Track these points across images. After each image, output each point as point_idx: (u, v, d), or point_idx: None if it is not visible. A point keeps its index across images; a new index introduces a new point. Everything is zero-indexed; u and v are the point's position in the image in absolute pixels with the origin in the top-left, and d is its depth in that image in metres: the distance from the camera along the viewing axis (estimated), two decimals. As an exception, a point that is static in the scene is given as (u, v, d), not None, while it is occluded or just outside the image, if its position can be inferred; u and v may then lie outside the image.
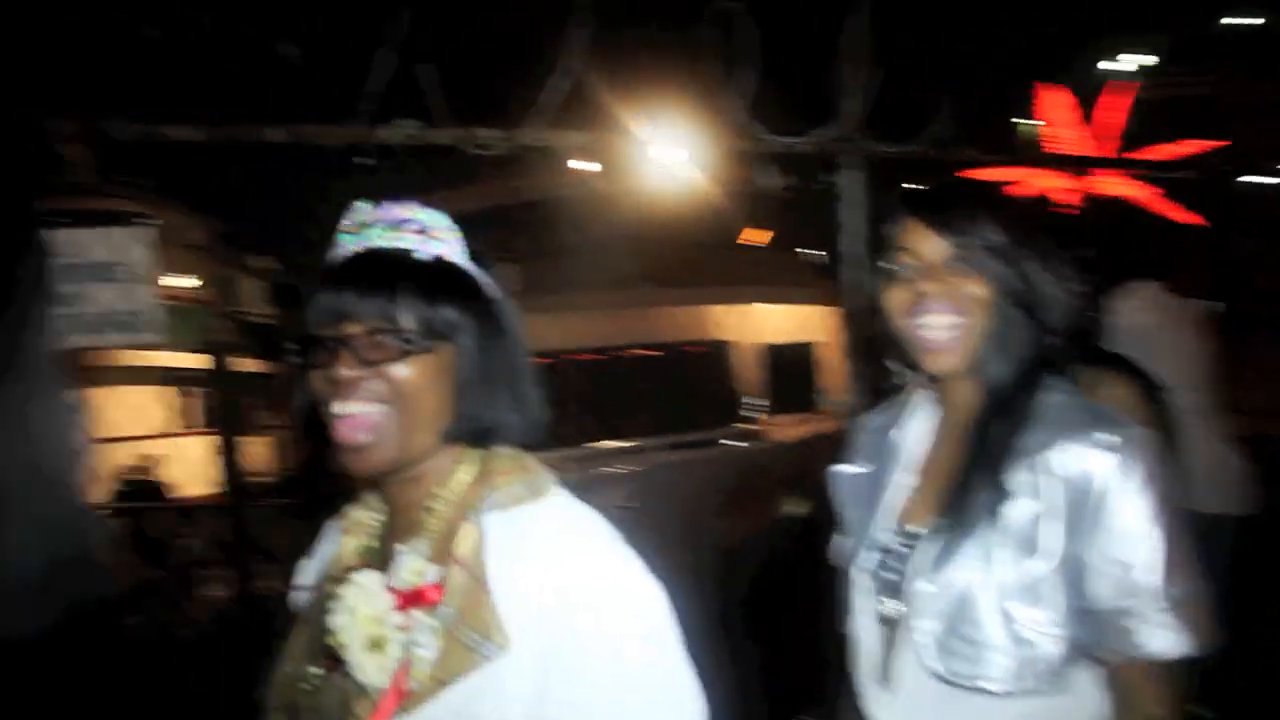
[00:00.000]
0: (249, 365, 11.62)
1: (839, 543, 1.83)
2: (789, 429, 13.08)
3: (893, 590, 1.65)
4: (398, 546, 1.32)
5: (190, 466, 14.18)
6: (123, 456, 11.73)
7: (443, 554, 1.27)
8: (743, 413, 12.62)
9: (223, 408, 8.85)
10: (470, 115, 3.06)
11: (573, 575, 1.23)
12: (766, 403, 13.30)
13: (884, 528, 1.72)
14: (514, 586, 1.22)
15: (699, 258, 11.98)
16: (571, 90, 3.20)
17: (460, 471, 1.32)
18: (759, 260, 14.12)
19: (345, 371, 1.23)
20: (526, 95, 3.07)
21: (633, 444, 9.30)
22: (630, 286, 11.01)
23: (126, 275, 2.90)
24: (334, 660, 1.30)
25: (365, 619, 1.26)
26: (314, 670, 1.35)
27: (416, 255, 1.28)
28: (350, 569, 1.34)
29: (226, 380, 8.71)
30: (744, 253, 14.77)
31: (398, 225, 1.30)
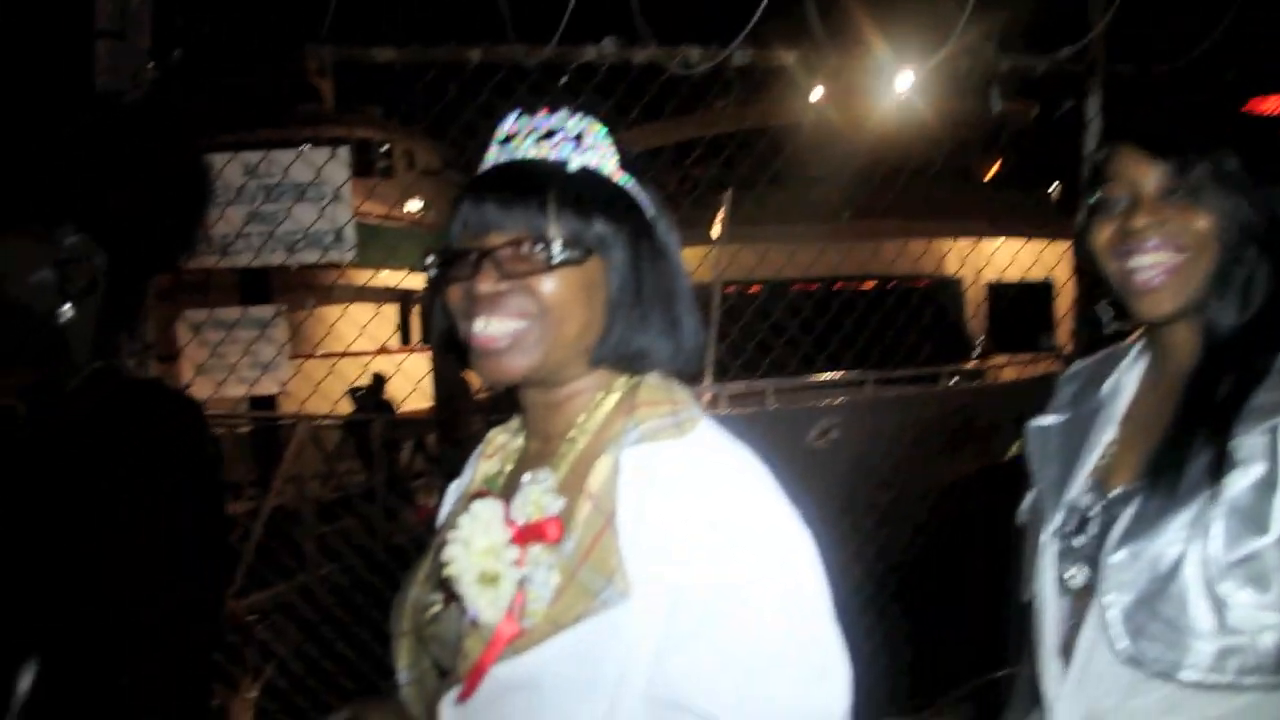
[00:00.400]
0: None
1: (1028, 502, 1.65)
2: (1013, 370, 12.59)
3: (1084, 558, 1.45)
4: (524, 476, 1.24)
5: (412, 382, 14.85)
6: (351, 371, 12.38)
7: (573, 486, 1.19)
8: (968, 352, 12.18)
9: (425, 325, 9.15)
10: (679, 37, 2.91)
11: (710, 520, 1.12)
12: (991, 342, 12.80)
13: (1081, 488, 1.51)
14: (644, 528, 1.12)
15: (927, 189, 11.47)
16: (792, 9, 2.98)
17: (606, 400, 1.25)
18: (990, 193, 13.44)
19: (486, 286, 1.17)
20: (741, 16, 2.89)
21: (847, 377, 9.09)
22: (854, 217, 10.72)
23: (325, 195, 2.93)
24: (450, 591, 1.23)
25: (480, 552, 1.17)
26: (434, 598, 1.31)
27: (567, 166, 1.21)
28: (476, 496, 1.27)
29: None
30: (975, 185, 14.09)
31: (548, 135, 1.23)
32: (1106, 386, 1.59)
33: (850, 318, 5.11)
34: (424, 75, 2.94)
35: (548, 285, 1.17)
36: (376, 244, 12.37)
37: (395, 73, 2.90)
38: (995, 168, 15.18)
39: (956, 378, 11.67)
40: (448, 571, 1.19)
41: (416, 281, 15.79)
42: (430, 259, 1.24)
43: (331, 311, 10.43)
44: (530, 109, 1.25)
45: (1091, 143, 3.40)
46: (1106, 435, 1.54)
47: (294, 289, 12.08)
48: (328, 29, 2.75)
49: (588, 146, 1.23)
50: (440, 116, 3.15)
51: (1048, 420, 1.66)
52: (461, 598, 1.18)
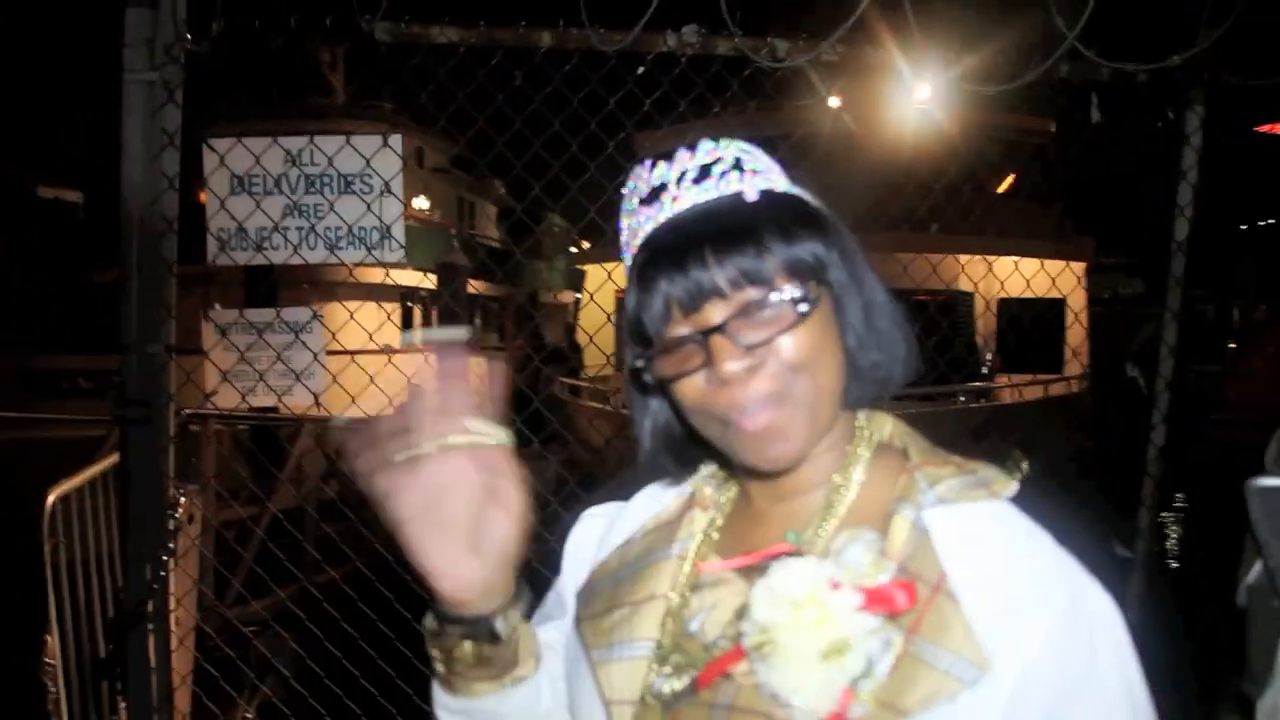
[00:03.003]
0: (478, 288, 11.70)
1: (1256, 575, 1.42)
2: (1026, 389, 12.45)
3: None
4: (839, 537, 1.05)
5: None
6: (354, 371, 12.10)
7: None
8: (981, 369, 12.01)
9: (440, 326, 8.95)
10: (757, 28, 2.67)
11: (1060, 593, 0.98)
12: (1000, 361, 12.65)
13: None
14: (988, 597, 0.97)
15: (949, 203, 11.28)
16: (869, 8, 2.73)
17: (859, 448, 1.11)
18: (1012, 210, 13.27)
19: (733, 364, 1.00)
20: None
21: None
22: (874, 229, 10.52)
23: (373, 188, 2.66)
24: (716, 671, 1.03)
25: (815, 622, 0.97)
26: (672, 683, 1.07)
27: (745, 197, 1.04)
28: (716, 552, 1.15)
29: (456, 301, 8.79)
30: (998, 201, 13.94)
31: (704, 173, 1.05)
32: None
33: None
34: (440, 70, 2.70)
35: (799, 341, 1.01)
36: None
37: (407, 68, 2.69)
38: (1009, 182, 15.07)
39: (964, 396, 11.54)
40: (757, 641, 0.99)
41: (417, 279, 15.59)
42: (638, 360, 1.07)
43: (333, 309, 10.16)
44: (656, 157, 1.09)
45: (1191, 158, 3.17)
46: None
47: (297, 284, 11.83)
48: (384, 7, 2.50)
49: (752, 169, 1.06)
50: (459, 111, 2.87)
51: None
52: (773, 680, 0.97)
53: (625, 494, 1.31)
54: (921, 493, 1.04)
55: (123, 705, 3.13)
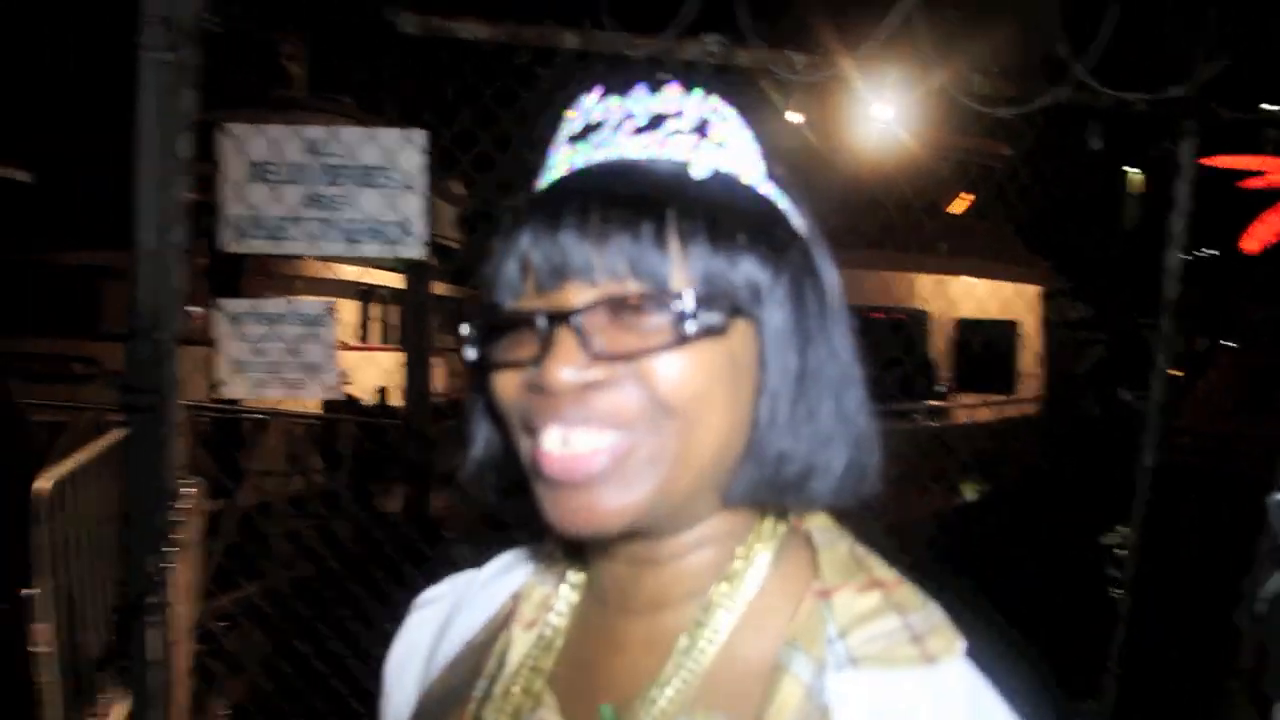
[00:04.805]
0: (439, 289, 11.64)
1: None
2: (979, 410, 12.63)
3: None
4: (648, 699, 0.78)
5: (377, 380, 14.54)
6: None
7: (723, 711, 0.76)
8: (934, 388, 12.16)
9: (411, 327, 8.91)
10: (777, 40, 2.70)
11: None
12: (957, 380, 12.84)
13: None
14: None
15: (906, 222, 11.43)
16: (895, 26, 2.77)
17: (751, 561, 0.81)
18: (968, 230, 13.49)
19: (567, 373, 0.72)
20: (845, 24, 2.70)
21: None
22: (834, 246, 10.59)
23: (395, 181, 2.64)
24: None
25: None
26: None
27: (689, 169, 0.76)
28: (521, 695, 0.84)
29: (416, 300, 8.74)
30: (953, 221, 14.15)
31: (655, 123, 0.78)
32: None
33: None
34: (399, 64, 2.71)
35: (673, 370, 0.72)
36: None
37: (368, 61, 2.70)
38: (964, 204, 15.29)
39: (919, 415, 11.68)
40: None
41: (377, 277, 15.44)
42: (467, 329, 0.79)
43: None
44: (619, 88, 0.81)
45: (1185, 189, 3.24)
46: None
47: (251, 275, 11.66)
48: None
49: (718, 140, 0.78)
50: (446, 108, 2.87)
51: None
52: None
53: (486, 555, 1.00)
54: (827, 640, 0.75)
55: (118, 698, 3.09)
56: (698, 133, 0.78)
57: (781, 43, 2.78)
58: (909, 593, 0.78)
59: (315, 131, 2.65)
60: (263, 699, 4.18)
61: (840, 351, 0.80)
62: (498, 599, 0.95)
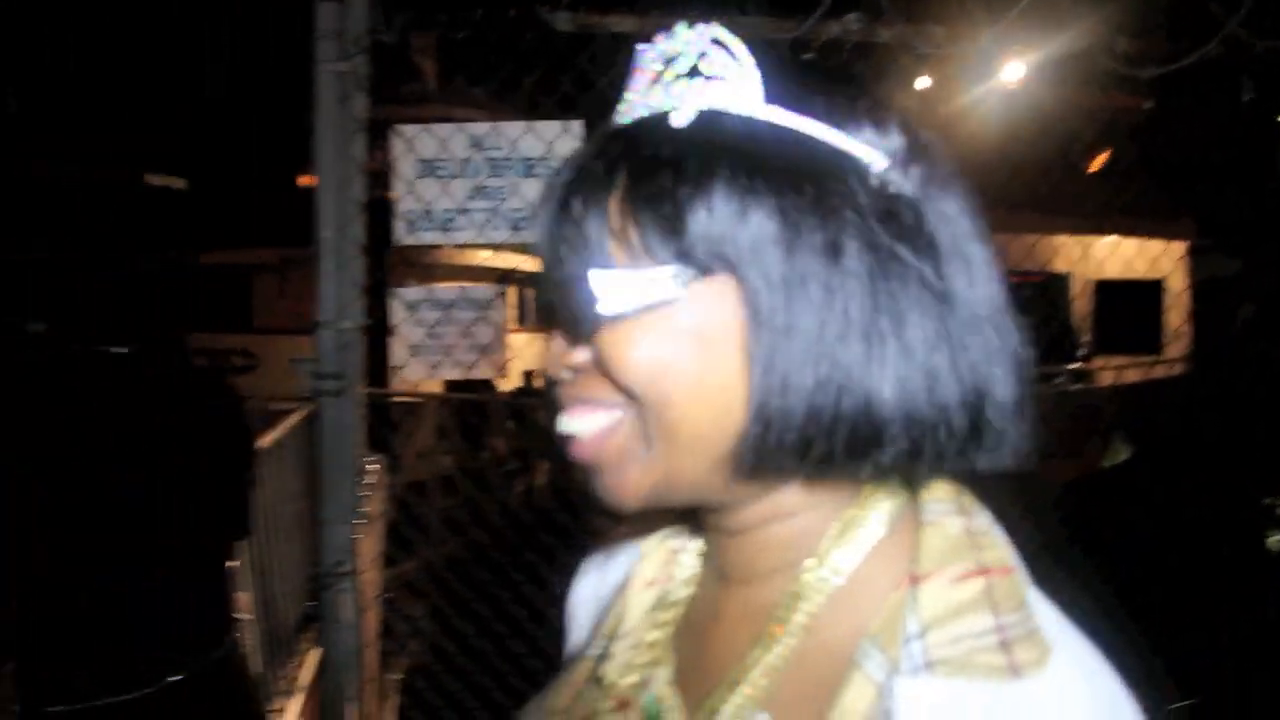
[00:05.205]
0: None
1: None
2: (1124, 373, 12.26)
3: None
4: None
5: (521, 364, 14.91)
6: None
7: (792, 708, 0.70)
8: (1076, 351, 11.88)
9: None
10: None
11: None
12: (1096, 343, 12.51)
13: None
14: None
15: (1046, 183, 11.17)
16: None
17: (851, 533, 0.72)
18: (1110, 188, 13.07)
19: (551, 361, 0.73)
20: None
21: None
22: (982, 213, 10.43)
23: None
24: None
25: None
26: None
27: (672, 121, 0.68)
28: (642, 652, 0.83)
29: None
30: (1094, 179, 13.73)
31: (658, 76, 0.71)
32: None
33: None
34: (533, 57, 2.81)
35: (616, 352, 0.67)
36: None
37: (495, 52, 2.81)
38: (1101, 160, 14.81)
39: (1061, 378, 11.43)
40: None
41: (512, 261, 15.77)
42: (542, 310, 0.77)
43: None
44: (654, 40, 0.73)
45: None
46: None
47: (394, 266, 12.07)
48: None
49: (712, 73, 0.69)
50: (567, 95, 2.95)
51: None
52: None
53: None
54: (905, 637, 0.65)
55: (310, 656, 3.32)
56: (691, 71, 0.69)
57: (917, 15, 2.83)
58: (1015, 585, 0.66)
59: (479, 128, 2.81)
60: (442, 658, 4.34)
61: (910, 289, 0.65)
62: (630, 559, 0.92)
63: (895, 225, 0.66)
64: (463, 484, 7.17)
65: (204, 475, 2.19)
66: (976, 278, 0.68)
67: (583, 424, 0.72)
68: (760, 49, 0.70)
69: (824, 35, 2.68)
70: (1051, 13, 2.91)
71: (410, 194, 2.81)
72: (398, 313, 2.94)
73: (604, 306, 0.66)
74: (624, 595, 0.87)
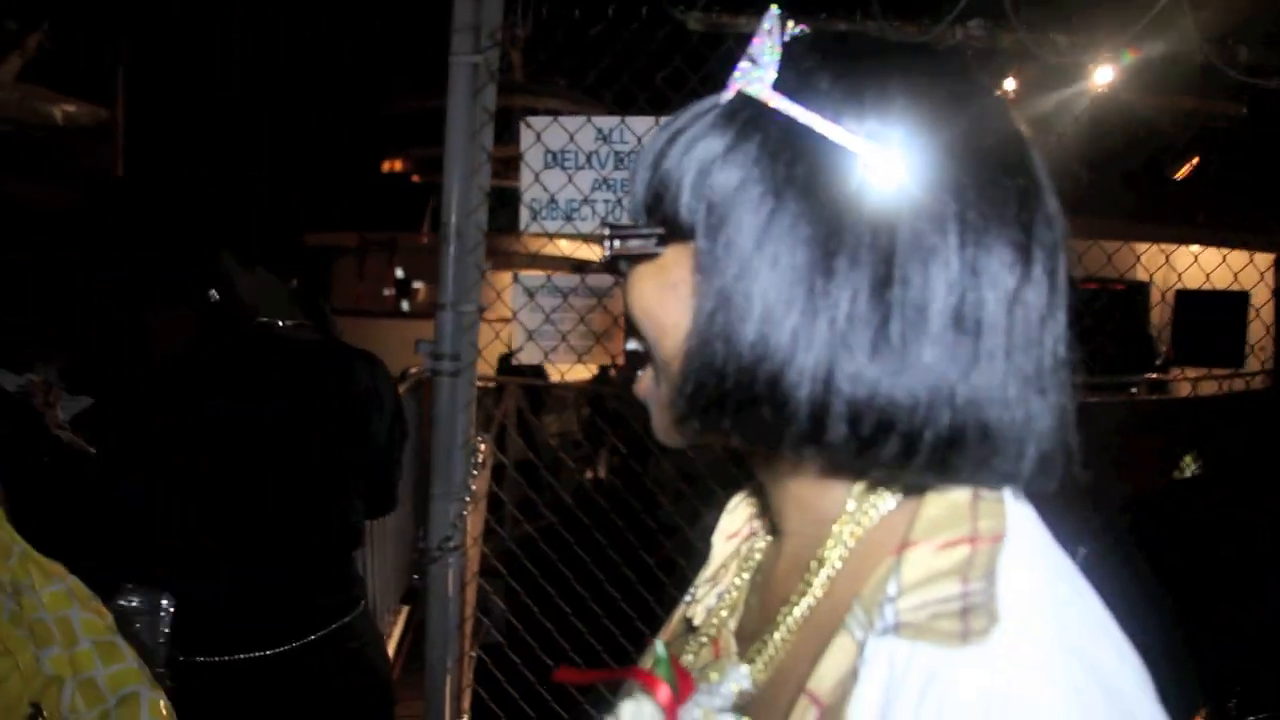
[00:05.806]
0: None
1: None
2: (1204, 385, 12.06)
3: None
4: (717, 664, 0.82)
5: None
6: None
7: (799, 662, 0.74)
8: (1156, 361, 11.71)
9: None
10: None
11: None
12: (1174, 353, 12.30)
13: None
14: None
15: (1131, 189, 11.01)
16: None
17: (874, 497, 0.75)
18: (1197, 196, 12.84)
19: (623, 304, 0.82)
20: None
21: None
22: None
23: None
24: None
25: None
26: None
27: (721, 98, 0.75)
28: (726, 600, 0.90)
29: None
30: (1181, 186, 13.50)
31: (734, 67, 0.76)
32: None
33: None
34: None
35: (633, 294, 0.78)
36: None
37: (579, 48, 2.85)
38: (1189, 168, 14.55)
39: (1135, 389, 11.27)
40: None
41: (589, 252, 15.92)
42: None
43: (503, 277, 10.57)
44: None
45: None
46: None
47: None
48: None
49: (756, 58, 0.73)
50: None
51: None
52: None
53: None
54: (883, 601, 0.67)
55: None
56: (750, 60, 0.73)
57: (1038, 23, 2.85)
58: (994, 554, 0.66)
59: (606, 121, 2.88)
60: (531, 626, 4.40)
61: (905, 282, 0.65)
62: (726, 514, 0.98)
63: (857, 218, 0.65)
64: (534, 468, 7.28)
65: (364, 450, 2.30)
66: (955, 285, 0.65)
67: (641, 370, 0.82)
68: (823, 39, 0.74)
69: (946, 40, 2.71)
70: (1172, 21, 2.91)
71: (536, 183, 2.89)
72: (518, 298, 3.03)
73: (608, 249, 0.77)
74: (711, 547, 0.95)
